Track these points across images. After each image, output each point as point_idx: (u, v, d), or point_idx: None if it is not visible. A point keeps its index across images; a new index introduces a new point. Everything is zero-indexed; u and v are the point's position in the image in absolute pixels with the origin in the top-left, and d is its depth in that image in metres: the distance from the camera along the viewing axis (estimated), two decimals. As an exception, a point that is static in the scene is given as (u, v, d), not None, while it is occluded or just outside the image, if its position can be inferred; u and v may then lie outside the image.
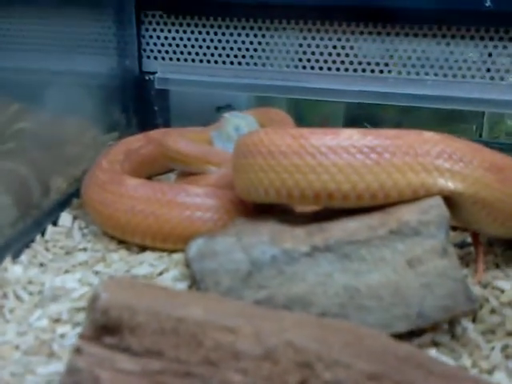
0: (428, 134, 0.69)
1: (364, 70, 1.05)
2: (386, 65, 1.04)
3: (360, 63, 1.05)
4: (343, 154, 0.67)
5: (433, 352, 0.63)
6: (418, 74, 1.02)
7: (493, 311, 0.70)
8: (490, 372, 0.62)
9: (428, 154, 0.68)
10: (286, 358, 0.49)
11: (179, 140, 0.91)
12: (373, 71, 1.05)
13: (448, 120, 1.45)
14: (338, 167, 0.67)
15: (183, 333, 0.51)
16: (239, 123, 0.94)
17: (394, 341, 0.53)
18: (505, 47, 0.97)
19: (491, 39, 0.96)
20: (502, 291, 0.74)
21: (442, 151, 0.68)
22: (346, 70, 1.06)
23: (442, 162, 0.68)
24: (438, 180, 0.68)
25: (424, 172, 0.68)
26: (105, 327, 0.52)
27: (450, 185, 0.68)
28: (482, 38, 0.97)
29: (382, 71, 1.05)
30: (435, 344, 0.64)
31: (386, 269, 0.64)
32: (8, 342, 0.65)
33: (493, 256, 0.81)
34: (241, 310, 0.55)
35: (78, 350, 0.52)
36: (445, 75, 1.01)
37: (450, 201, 0.69)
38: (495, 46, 0.97)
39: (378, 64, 1.04)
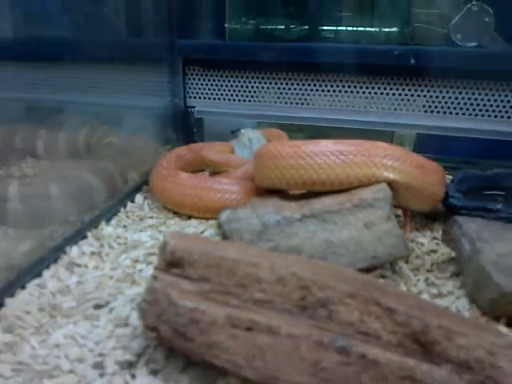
0: (379, 143, 0.68)
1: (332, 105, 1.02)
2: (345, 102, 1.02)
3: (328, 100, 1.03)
4: (322, 156, 0.66)
5: (381, 281, 0.61)
6: (365, 107, 1.00)
7: (417, 257, 0.69)
8: (418, 294, 0.60)
9: (378, 156, 0.67)
10: (292, 282, 0.48)
11: (211, 152, 0.90)
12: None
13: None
14: (318, 164, 0.66)
15: (224, 266, 0.49)
16: (251, 136, 0.93)
17: (360, 273, 0.52)
18: (422, 90, 0.96)
19: (413, 85, 0.95)
20: (422, 244, 0.73)
21: (387, 154, 0.67)
22: (319, 104, 1.03)
23: (387, 161, 0.67)
24: (383, 172, 0.66)
25: (375, 167, 0.66)
26: (171, 263, 0.50)
27: (392, 176, 0.66)
28: (407, 84, 0.95)
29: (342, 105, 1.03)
30: (382, 276, 0.63)
31: (351, 229, 0.62)
32: (105, 274, 0.64)
33: (413, 223, 0.80)
34: (260, 252, 0.53)
35: (154, 277, 0.50)
36: (383, 108, 1.00)
37: (391, 187, 0.67)
38: (415, 89, 0.96)
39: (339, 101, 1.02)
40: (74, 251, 0.68)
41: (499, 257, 0.57)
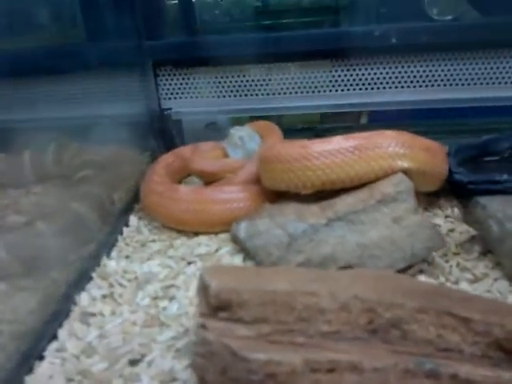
0: (386, 132, 0.64)
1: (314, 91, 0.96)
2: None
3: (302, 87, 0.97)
4: (338, 154, 0.61)
5: (422, 277, 0.58)
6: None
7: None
8: (457, 282, 0.58)
9: (390, 146, 0.62)
10: (356, 307, 0.43)
11: (202, 162, 0.81)
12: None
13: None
14: (336, 163, 0.61)
15: (279, 302, 0.43)
16: (242, 134, 0.84)
17: (415, 280, 0.48)
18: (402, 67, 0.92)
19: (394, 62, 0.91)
20: (439, 225, 0.70)
21: (397, 142, 0.63)
22: (290, 93, 0.97)
23: (398, 149, 0.63)
24: (398, 162, 0.63)
25: (390, 158, 0.62)
26: (218, 307, 0.43)
27: (406, 164, 0.63)
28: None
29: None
30: (421, 271, 0.59)
31: (380, 226, 0.59)
32: (126, 320, 0.56)
33: (421, 203, 0.77)
34: (309, 277, 0.48)
35: (203, 326, 0.43)
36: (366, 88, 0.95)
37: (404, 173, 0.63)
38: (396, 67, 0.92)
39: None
40: (83, 298, 0.59)
41: (532, 234, 0.55)
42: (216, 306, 0.44)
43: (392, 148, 0.62)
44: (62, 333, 0.53)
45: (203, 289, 0.45)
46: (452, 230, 0.69)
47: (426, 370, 0.40)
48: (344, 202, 0.61)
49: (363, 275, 0.49)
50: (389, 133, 0.64)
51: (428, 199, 0.78)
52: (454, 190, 0.78)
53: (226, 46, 0.89)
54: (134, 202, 0.82)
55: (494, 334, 0.41)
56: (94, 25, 0.77)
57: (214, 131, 1.03)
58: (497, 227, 0.59)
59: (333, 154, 0.61)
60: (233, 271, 0.49)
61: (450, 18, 0.83)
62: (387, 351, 0.42)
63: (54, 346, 0.52)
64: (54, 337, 0.53)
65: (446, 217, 0.73)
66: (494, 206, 0.62)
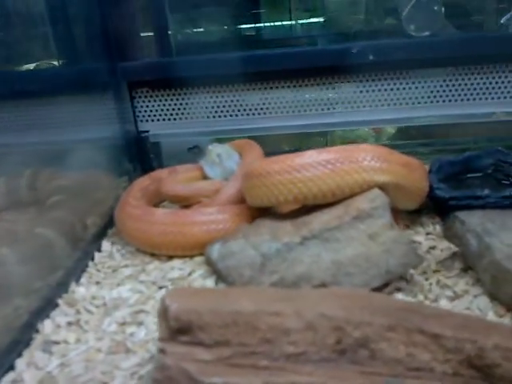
0: (362, 146, 0.63)
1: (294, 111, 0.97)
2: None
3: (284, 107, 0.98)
4: (309, 168, 0.60)
5: (399, 296, 0.57)
6: (328, 109, 0.96)
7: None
8: (437, 300, 0.57)
9: (365, 159, 0.62)
10: (322, 326, 0.42)
11: (174, 186, 0.80)
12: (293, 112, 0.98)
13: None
14: (307, 177, 0.60)
15: (241, 323, 0.42)
16: (220, 151, 0.84)
17: (387, 297, 0.47)
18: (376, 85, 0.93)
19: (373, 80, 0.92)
20: (420, 243, 0.70)
21: (374, 156, 0.63)
22: (276, 112, 0.97)
23: (374, 163, 0.62)
24: (373, 176, 0.62)
25: (364, 172, 0.62)
26: (178, 330, 0.42)
27: (382, 179, 0.62)
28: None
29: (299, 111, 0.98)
30: (398, 289, 0.58)
31: (356, 244, 0.58)
32: (91, 347, 0.54)
33: (402, 221, 0.76)
34: (276, 296, 0.46)
35: (162, 351, 0.42)
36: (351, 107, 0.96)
37: (380, 189, 0.63)
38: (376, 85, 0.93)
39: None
40: (47, 326, 0.57)
41: (510, 248, 0.55)
42: (176, 328, 0.43)
43: (367, 162, 0.62)
44: (21, 362, 0.51)
45: (163, 312, 0.44)
46: (433, 248, 0.68)
47: (394, 392, 0.38)
48: (319, 220, 0.60)
49: (334, 293, 0.47)
50: (364, 146, 0.64)
51: (410, 217, 0.77)
52: (436, 207, 0.78)
53: (203, 67, 0.89)
54: (108, 226, 0.81)
55: (466, 351, 0.39)
56: (65, 47, 0.77)
57: (197, 155, 1.03)
58: (475, 242, 0.59)
59: (304, 167, 0.60)
60: (197, 293, 0.48)
61: (427, 33, 0.84)
62: (355, 372, 0.40)
63: (10, 376, 0.49)
64: (11, 368, 0.51)
65: (428, 234, 0.72)
66: (473, 221, 0.61)
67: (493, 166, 0.83)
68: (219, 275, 0.61)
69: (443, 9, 0.82)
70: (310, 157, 0.61)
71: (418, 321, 0.42)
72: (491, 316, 0.53)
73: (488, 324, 0.43)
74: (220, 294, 0.48)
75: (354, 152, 0.62)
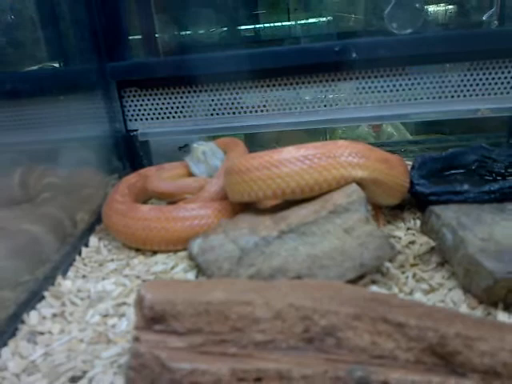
0: (340, 142, 0.65)
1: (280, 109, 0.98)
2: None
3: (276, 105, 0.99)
4: (288, 163, 0.62)
5: (374, 288, 0.58)
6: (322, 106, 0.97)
7: (399, 252, 0.66)
8: (411, 293, 0.58)
9: (342, 155, 0.63)
10: (291, 315, 0.43)
11: (159, 183, 0.82)
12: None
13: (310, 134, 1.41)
14: (285, 173, 0.62)
15: (213, 312, 0.44)
16: (204, 149, 0.86)
17: (358, 288, 0.48)
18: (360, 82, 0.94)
19: (357, 78, 0.93)
20: (400, 238, 0.71)
21: (352, 152, 0.64)
22: (261, 111, 0.99)
23: (352, 159, 0.64)
24: (351, 172, 0.63)
25: (342, 168, 0.63)
26: (153, 318, 0.44)
27: (359, 174, 0.64)
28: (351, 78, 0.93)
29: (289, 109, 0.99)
30: (373, 282, 0.59)
31: (332, 238, 0.59)
32: (74, 338, 0.56)
33: (383, 216, 0.78)
34: (249, 286, 0.48)
35: (136, 339, 0.43)
36: (332, 104, 0.97)
37: (360, 185, 0.64)
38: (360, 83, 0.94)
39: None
40: (32, 317, 0.59)
41: (483, 242, 0.56)
42: (150, 317, 0.44)
43: (345, 157, 0.64)
44: (6, 351, 0.53)
45: (139, 302, 0.45)
46: (412, 242, 0.69)
47: (356, 378, 0.40)
48: (297, 214, 0.61)
49: (305, 285, 0.49)
50: (342, 142, 0.65)
51: (392, 212, 0.79)
52: (417, 203, 0.79)
53: (191, 66, 0.91)
54: (96, 223, 0.83)
55: (428, 339, 0.41)
56: (54, 47, 0.79)
57: (187, 153, 1.05)
58: (451, 236, 0.60)
59: (283, 163, 0.62)
60: (172, 284, 0.49)
61: (409, 31, 0.85)
62: (321, 359, 0.42)
63: (-6, 365, 0.52)
64: (-4, 357, 0.53)
65: (408, 229, 0.73)
66: (448, 215, 0.63)
67: (477, 163, 0.85)
68: (200, 269, 0.63)
69: (425, 7, 0.83)
70: (289, 153, 0.63)
71: (383, 310, 0.43)
72: (464, 308, 0.55)
73: (453, 314, 0.44)
74: (194, 285, 0.49)
75: (332, 148, 0.63)
